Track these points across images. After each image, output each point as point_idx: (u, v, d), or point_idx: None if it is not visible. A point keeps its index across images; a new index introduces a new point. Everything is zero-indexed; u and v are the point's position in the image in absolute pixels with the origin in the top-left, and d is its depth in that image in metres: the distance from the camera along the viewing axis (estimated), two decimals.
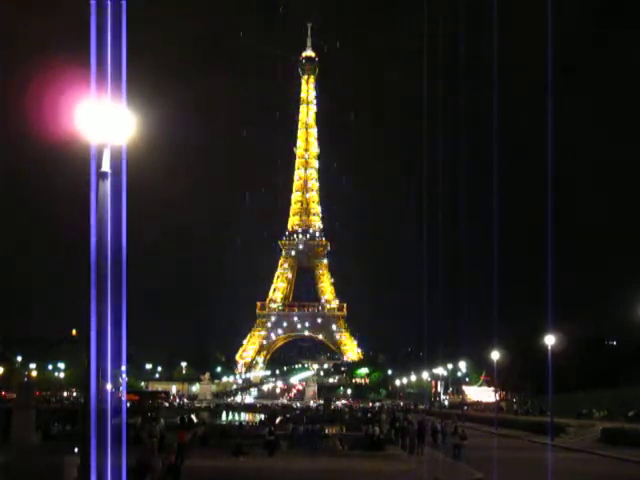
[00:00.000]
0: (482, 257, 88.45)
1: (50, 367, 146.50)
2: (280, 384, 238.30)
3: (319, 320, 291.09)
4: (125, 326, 13.13)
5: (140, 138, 13.86)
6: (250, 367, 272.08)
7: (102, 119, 12.71)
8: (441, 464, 38.85)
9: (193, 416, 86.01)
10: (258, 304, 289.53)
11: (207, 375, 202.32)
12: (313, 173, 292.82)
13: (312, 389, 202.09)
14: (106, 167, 12.87)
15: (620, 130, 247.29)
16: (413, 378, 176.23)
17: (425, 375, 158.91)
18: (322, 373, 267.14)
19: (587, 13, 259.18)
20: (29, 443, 43.80)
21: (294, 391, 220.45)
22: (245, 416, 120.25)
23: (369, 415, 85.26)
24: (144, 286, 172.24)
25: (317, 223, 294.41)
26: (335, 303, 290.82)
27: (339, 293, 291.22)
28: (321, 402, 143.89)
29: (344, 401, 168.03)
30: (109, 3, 12.56)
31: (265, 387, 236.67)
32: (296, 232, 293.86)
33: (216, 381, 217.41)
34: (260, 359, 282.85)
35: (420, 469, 36.56)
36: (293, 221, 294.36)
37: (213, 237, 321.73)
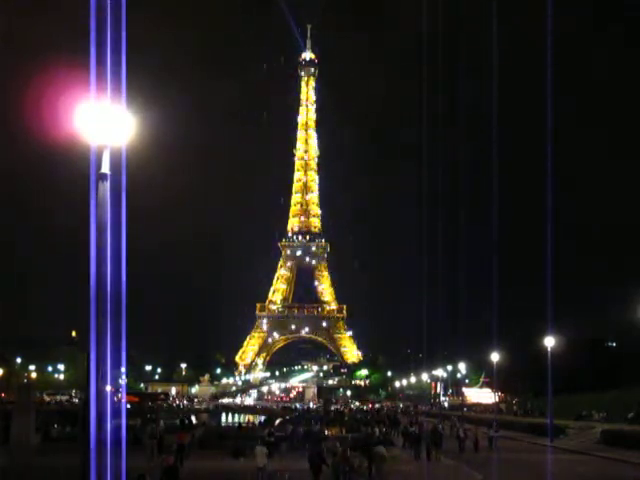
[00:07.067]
0: (482, 257, 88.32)
1: (50, 369, 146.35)
2: (276, 387, 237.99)
3: (319, 321, 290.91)
4: (125, 327, 13.10)
5: (140, 139, 13.83)
6: (250, 368, 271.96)
7: (102, 120, 12.68)
8: (442, 466, 38.86)
9: (193, 417, 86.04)
10: (258, 305, 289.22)
11: (207, 377, 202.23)
12: (313, 175, 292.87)
13: (312, 390, 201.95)
14: (106, 168, 12.84)
15: (620, 129, 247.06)
16: (413, 379, 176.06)
17: (425, 376, 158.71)
18: (322, 375, 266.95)
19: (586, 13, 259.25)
20: (29, 444, 43.85)
21: (294, 392, 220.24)
22: (245, 417, 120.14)
23: (368, 417, 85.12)
24: (144, 287, 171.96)
25: (317, 224, 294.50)
26: (335, 304, 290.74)
27: (339, 294, 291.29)
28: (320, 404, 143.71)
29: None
30: (109, 3, 12.54)
31: (265, 388, 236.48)
32: (296, 233, 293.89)
33: (216, 382, 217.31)
34: (260, 360, 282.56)
35: (420, 471, 36.57)
36: (293, 222, 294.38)
37: (213, 238, 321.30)
